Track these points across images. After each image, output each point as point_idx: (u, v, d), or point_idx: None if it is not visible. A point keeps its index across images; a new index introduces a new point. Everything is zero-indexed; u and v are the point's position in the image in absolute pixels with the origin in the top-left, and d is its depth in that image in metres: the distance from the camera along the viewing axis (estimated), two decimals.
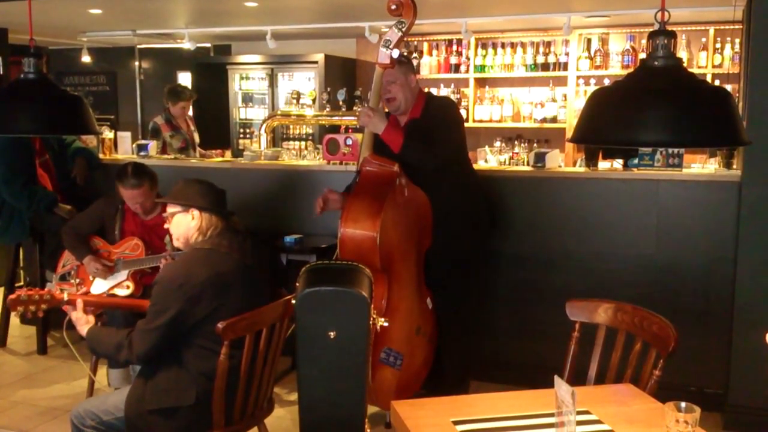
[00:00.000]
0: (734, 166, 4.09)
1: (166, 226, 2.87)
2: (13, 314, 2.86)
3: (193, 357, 2.62)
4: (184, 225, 2.77)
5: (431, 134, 3.52)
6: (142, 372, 2.69)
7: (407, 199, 3.51)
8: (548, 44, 6.75)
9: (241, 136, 7.85)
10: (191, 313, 2.57)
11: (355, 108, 5.98)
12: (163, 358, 2.62)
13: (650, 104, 1.63)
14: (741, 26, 4.72)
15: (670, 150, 3.95)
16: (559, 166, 4.46)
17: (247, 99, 7.95)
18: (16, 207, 4.65)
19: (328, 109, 6.28)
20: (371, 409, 3.37)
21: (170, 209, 2.81)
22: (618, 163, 4.24)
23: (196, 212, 2.75)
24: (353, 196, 3.38)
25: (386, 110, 3.72)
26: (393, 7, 3.36)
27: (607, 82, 6.14)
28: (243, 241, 2.78)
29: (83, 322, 2.75)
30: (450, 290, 3.75)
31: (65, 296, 2.82)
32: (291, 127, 7.42)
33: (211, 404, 2.61)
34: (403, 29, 3.36)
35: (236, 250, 2.73)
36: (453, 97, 6.84)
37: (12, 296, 2.80)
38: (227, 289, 2.64)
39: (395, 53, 3.38)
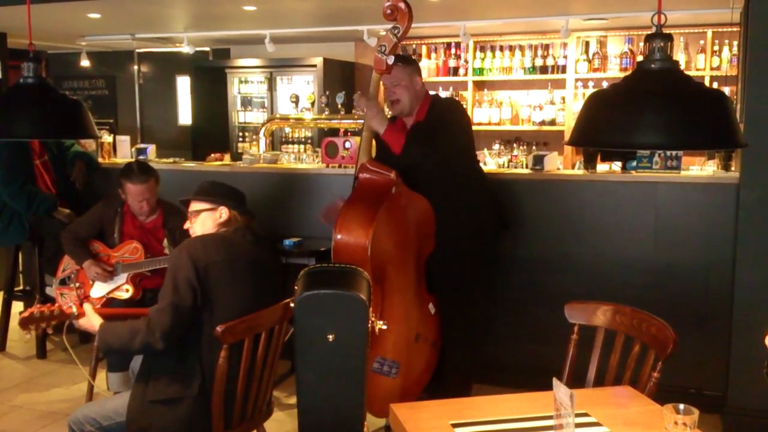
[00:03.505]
0: (732, 168, 4.10)
1: (186, 225, 2.85)
2: (25, 333, 2.77)
3: (203, 346, 2.58)
4: (211, 222, 2.78)
5: (434, 136, 3.48)
6: (142, 372, 2.67)
7: (405, 207, 3.46)
8: (546, 47, 6.76)
9: (240, 139, 7.85)
10: (202, 286, 2.55)
11: (354, 111, 5.99)
12: (167, 352, 2.58)
13: (647, 107, 1.64)
14: (739, 29, 4.73)
15: (668, 152, 3.95)
16: (558, 169, 4.46)
17: (246, 102, 7.95)
18: (16, 209, 4.65)
19: (326, 113, 6.28)
20: (370, 416, 3.36)
21: (197, 207, 2.80)
22: (616, 166, 4.24)
23: (225, 210, 2.78)
24: (348, 204, 3.35)
25: (389, 114, 3.70)
26: (388, 12, 3.33)
27: (605, 84, 6.14)
28: (259, 241, 2.82)
29: (95, 321, 2.67)
30: (454, 295, 3.68)
31: (74, 310, 2.74)
32: (290, 130, 7.42)
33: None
34: (398, 35, 3.33)
35: (250, 243, 2.76)
36: None
37: (24, 314, 2.70)
38: (238, 274, 2.65)
39: (390, 59, 3.35)
